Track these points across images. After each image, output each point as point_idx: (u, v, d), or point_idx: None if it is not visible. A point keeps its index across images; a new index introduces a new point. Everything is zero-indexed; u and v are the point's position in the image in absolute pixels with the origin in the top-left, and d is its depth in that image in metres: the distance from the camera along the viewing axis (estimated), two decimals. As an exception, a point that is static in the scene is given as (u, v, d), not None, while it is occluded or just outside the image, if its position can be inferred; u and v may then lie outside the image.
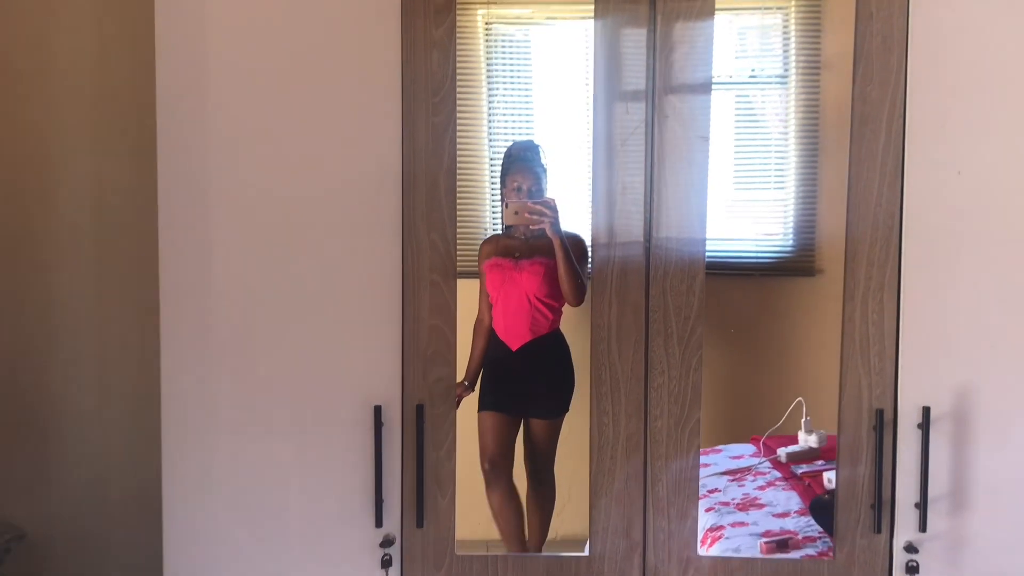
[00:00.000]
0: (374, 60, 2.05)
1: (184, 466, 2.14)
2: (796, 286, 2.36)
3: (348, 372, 2.11)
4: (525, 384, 2.32)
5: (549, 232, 2.19)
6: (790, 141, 2.29)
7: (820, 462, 2.38)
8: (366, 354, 2.10)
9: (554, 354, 2.29)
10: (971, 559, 2.08)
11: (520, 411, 2.30)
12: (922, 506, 2.05)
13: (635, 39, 2.06)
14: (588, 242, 2.15)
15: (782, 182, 2.30)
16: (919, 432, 2.05)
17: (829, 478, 2.31)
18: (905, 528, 2.09)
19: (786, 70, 2.30)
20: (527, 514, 2.29)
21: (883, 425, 2.06)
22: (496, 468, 2.28)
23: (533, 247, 2.24)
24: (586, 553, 2.16)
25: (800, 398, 2.32)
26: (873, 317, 2.06)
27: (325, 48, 2.06)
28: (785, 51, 2.30)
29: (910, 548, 2.07)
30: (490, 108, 2.23)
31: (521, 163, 2.22)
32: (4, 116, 2.64)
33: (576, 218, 2.20)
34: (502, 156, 2.25)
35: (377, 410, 2.08)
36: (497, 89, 2.25)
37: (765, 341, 2.34)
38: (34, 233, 2.65)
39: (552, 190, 2.24)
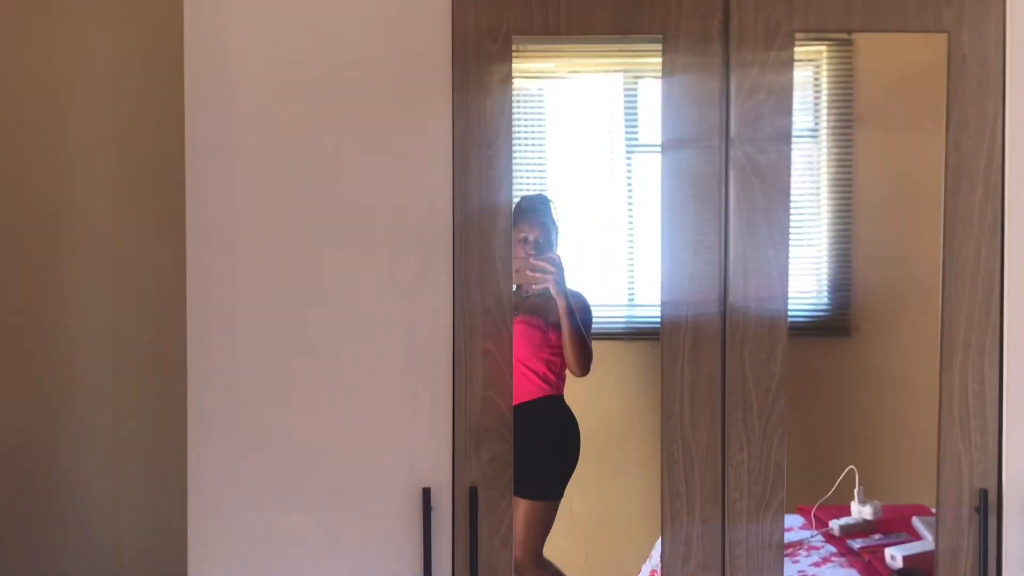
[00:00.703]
0: (423, 108, 1.90)
1: (211, 548, 1.95)
2: (832, 346, 2.26)
3: (394, 450, 1.93)
4: (518, 464, 2.12)
5: (553, 291, 2.03)
6: (822, 196, 2.21)
7: (877, 536, 2.28)
8: (414, 430, 1.92)
9: (542, 426, 2.10)
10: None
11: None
12: (1034, 598, 1.86)
13: (707, 88, 1.91)
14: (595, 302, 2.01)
15: (814, 239, 2.21)
16: (1028, 514, 1.87)
17: (892, 555, 2.20)
18: (1016, 625, 1.89)
19: (817, 124, 2.22)
20: None
21: (987, 507, 1.89)
22: (523, 564, 2.09)
23: (531, 306, 2.07)
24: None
25: (852, 467, 2.20)
26: (973, 387, 1.89)
27: (373, 92, 1.90)
28: (816, 105, 2.23)
29: (1022, 647, 1.88)
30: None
31: (530, 214, 2.08)
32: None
33: (588, 279, 2.09)
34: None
35: (426, 493, 1.90)
36: (514, 143, 2.13)
37: (805, 405, 2.19)
38: (47, 313, 2.52)
39: (567, 244, 2.09)
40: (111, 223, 2.51)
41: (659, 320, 1.93)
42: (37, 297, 2.52)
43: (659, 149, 1.93)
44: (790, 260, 1.92)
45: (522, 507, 2.09)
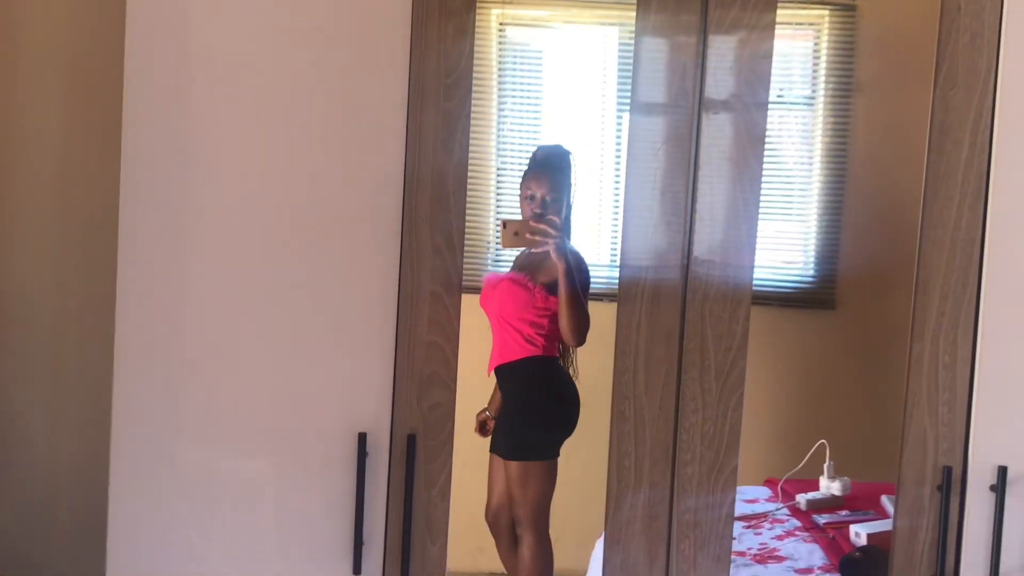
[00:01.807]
0: (377, 33, 1.78)
1: (136, 480, 1.87)
2: (815, 319, 2.25)
3: (332, 391, 1.84)
4: (505, 424, 2.04)
5: (554, 255, 1.92)
6: (815, 166, 2.18)
7: (844, 512, 2.29)
8: (353, 372, 1.83)
9: (523, 386, 2.01)
10: (1047, 647, 1.81)
11: (497, 449, 2.03)
12: (992, 581, 1.78)
13: (682, 47, 1.81)
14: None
15: (804, 209, 2.20)
16: (992, 495, 1.79)
17: (857, 531, 2.18)
18: (971, 606, 1.82)
19: (814, 93, 2.19)
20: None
21: (950, 485, 1.80)
22: (493, 520, 2.02)
23: (527, 263, 1.97)
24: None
25: (823, 440, 2.18)
26: (945, 359, 1.80)
27: (320, 21, 1.79)
28: (815, 73, 2.20)
29: (975, 631, 1.80)
30: (500, 115, 2.01)
31: (540, 168, 1.96)
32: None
33: (584, 238, 2.00)
34: (507, 167, 2.01)
35: (362, 438, 1.81)
36: (507, 96, 2.04)
37: (782, 376, 2.18)
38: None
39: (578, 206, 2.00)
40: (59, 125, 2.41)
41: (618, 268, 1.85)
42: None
43: (630, 108, 1.83)
44: (769, 218, 1.83)
45: (513, 468, 2.02)
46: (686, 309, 1.82)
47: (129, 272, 1.84)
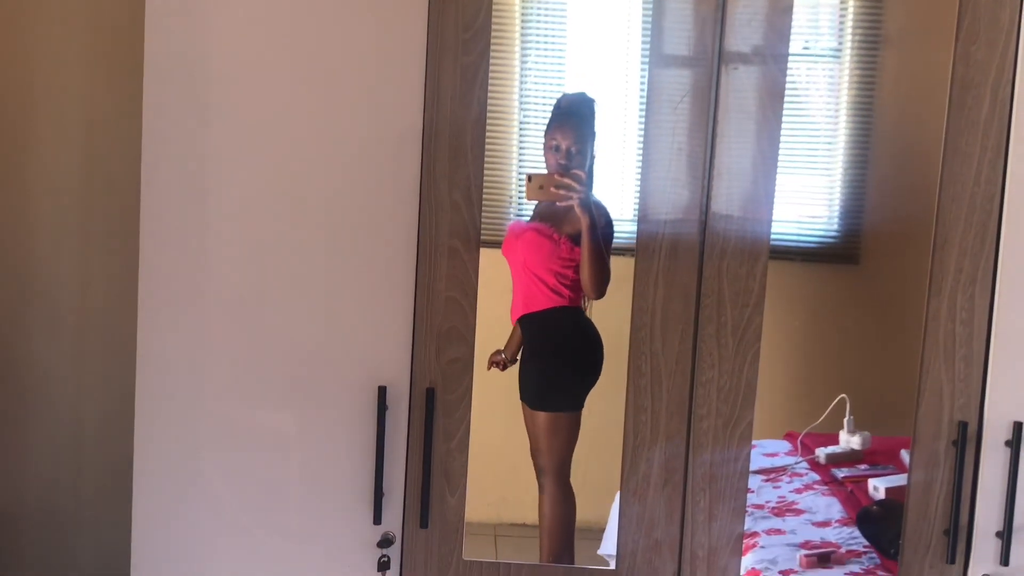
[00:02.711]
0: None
1: (161, 433, 1.90)
2: (839, 274, 2.19)
3: (352, 345, 1.85)
4: (535, 374, 2.04)
5: (578, 209, 1.90)
6: (840, 120, 2.11)
7: (863, 466, 2.24)
8: (373, 327, 1.85)
9: (551, 335, 2.00)
10: (1060, 601, 1.82)
11: (525, 398, 2.02)
12: (1005, 535, 1.79)
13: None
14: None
15: (830, 163, 2.13)
16: (1007, 450, 1.79)
17: (875, 486, 2.17)
18: (983, 560, 1.83)
19: (840, 45, 2.11)
20: (540, 531, 2.03)
21: (965, 440, 1.80)
22: (537, 468, 2.03)
23: (542, 212, 1.96)
24: (612, 567, 1.93)
25: (844, 395, 2.14)
26: (962, 315, 1.79)
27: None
28: (841, 24, 2.11)
29: (988, 583, 1.81)
30: (523, 67, 1.99)
31: (565, 119, 1.93)
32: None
33: (607, 192, 1.96)
34: (530, 119, 1.98)
35: (381, 391, 1.83)
36: (531, 47, 2.01)
37: (804, 330, 2.15)
38: (14, 187, 2.42)
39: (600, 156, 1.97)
40: (79, 94, 2.42)
41: (636, 223, 1.84)
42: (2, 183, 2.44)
43: (648, 62, 1.82)
44: (795, 172, 1.81)
45: (541, 418, 2.02)
46: (703, 265, 1.82)
47: (151, 229, 1.85)
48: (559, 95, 2.03)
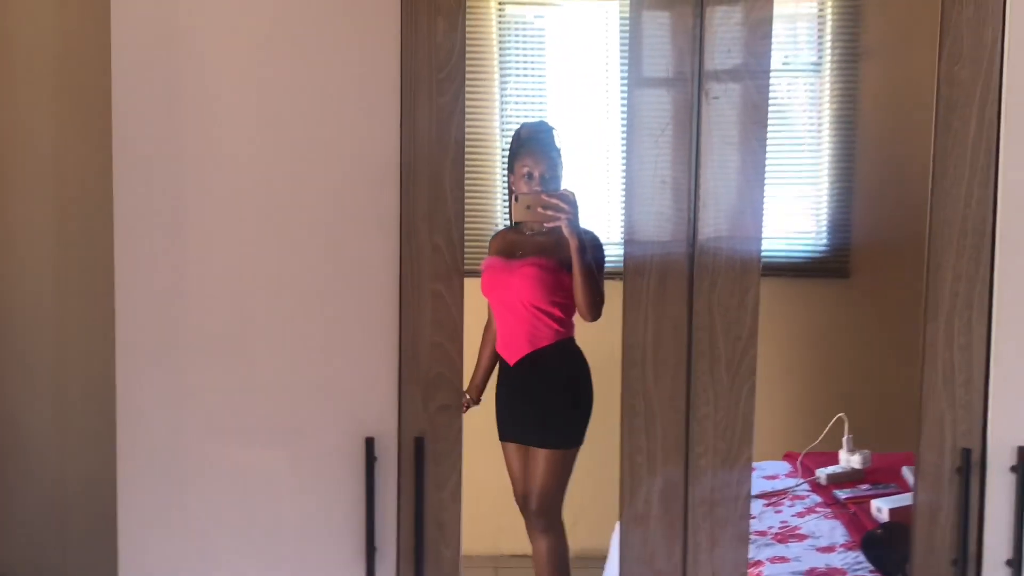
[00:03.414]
0: (366, 31, 1.73)
1: (144, 483, 1.84)
2: (829, 288, 2.22)
3: (337, 395, 1.80)
4: (527, 406, 2.00)
5: (566, 231, 1.88)
6: (823, 134, 2.15)
7: (865, 486, 2.26)
8: (357, 376, 1.80)
9: (560, 371, 1.98)
10: (1073, 629, 1.77)
11: (519, 438, 1.98)
12: (1016, 563, 1.75)
13: (679, 13, 1.74)
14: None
15: (815, 177, 2.15)
16: (1013, 476, 1.76)
17: (879, 507, 2.14)
18: (994, 590, 1.78)
19: (820, 58, 2.15)
20: (535, 568, 1.98)
21: (970, 467, 1.77)
22: (524, 504, 1.99)
23: (538, 244, 1.92)
24: (614, 610, 1.87)
25: (841, 414, 2.16)
26: (960, 340, 1.76)
27: (307, 18, 1.73)
28: (820, 38, 2.16)
29: (1000, 614, 1.77)
30: (503, 95, 1.97)
31: (533, 145, 1.92)
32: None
33: (590, 214, 1.96)
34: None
35: (369, 443, 1.78)
36: (510, 74, 2.00)
37: (798, 346, 2.15)
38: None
39: (566, 180, 1.94)
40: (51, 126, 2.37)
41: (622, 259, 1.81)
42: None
43: (627, 87, 1.79)
44: (780, 188, 1.78)
45: (543, 457, 1.99)
46: (693, 299, 1.78)
47: (127, 272, 1.80)
48: (536, 121, 2.01)
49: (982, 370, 1.76)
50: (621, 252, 1.81)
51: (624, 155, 1.80)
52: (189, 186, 1.78)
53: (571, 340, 1.98)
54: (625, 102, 1.83)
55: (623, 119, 1.93)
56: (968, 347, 1.76)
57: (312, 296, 1.79)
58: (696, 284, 1.78)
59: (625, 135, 1.77)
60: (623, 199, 1.79)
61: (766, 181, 1.78)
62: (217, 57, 1.76)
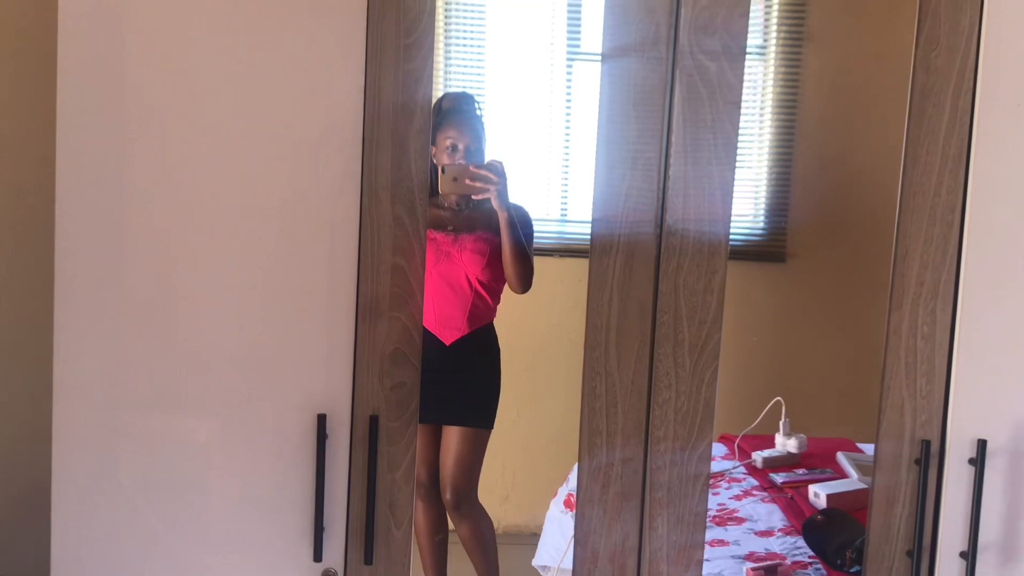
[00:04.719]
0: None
1: (81, 456, 1.75)
2: (766, 272, 2.20)
3: (289, 371, 1.73)
4: (455, 387, 1.95)
5: (495, 204, 1.83)
6: (765, 117, 2.13)
7: (801, 470, 2.26)
8: (311, 351, 1.73)
9: (488, 352, 1.93)
10: (1025, 621, 1.78)
11: (440, 419, 1.94)
12: (970, 556, 1.75)
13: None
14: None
15: (755, 161, 2.14)
16: (971, 468, 1.75)
17: (816, 492, 2.14)
18: (947, 581, 1.78)
19: (765, 42, 2.13)
20: (469, 553, 1.94)
21: (928, 458, 1.75)
22: (422, 490, 1.94)
23: (471, 219, 1.87)
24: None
25: (779, 398, 2.16)
26: (924, 330, 1.74)
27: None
28: (766, 21, 2.14)
29: (953, 605, 1.77)
30: (446, 66, 1.90)
31: (456, 116, 1.86)
32: None
33: (526, 190, 1.92)
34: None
35: (321, 419, 1.71)
36: (453, 44, 1.93)
37: (735, 330, 2.07)
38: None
39: (502, 154, 1.90)
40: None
41: (590, 238, 1.76)
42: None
43: (601, 58, 1.73)
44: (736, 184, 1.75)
45: (464, 436, 1.94)
46: (659, 280, 1.74)
47: (67, 238, 1.70)
48: (481, 94, 1.96)
49: (944, 361, 1.75)
50: (560, 228, 1.77)
51: (573, 121, 1.75)
52: (134, 148, 1.69)
53: (492, 324, 1.95)
54: (570, 76, 1.79)
55: (568, 93, 1.89)
56: (932, 337, 1.74)
57: (265, 266, 1.71)
58: (663, 265, 1.74)
59: (599, 107, 1.73)
60: (595, 175, 1.74)
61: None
62: (169, 18, 1.66)
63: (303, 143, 1.69)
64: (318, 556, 1.74)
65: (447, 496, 1.92)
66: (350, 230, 1.70)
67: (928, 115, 1.70)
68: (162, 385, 1.74)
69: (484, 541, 1.98)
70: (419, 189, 1.69)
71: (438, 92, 1.94)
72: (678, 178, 1.72)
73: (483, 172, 1.83)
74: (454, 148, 1.87)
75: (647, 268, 1.74)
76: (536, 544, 2.05)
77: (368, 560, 1.75)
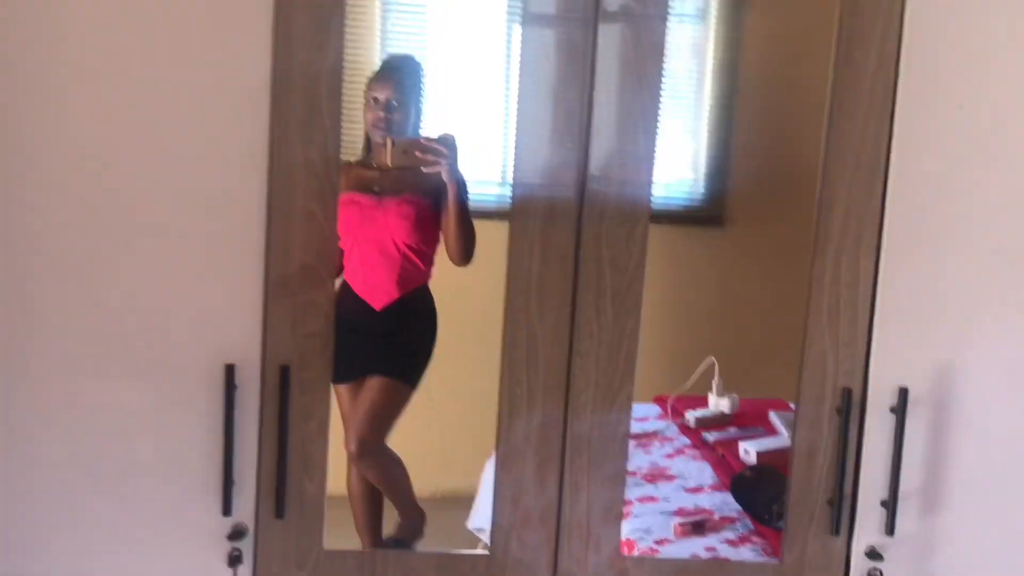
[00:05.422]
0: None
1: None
2: (705, 237, 2.18)
3: (197, 321, 1.67)
4: (385, 345, 1.92)
5: (446, 177, 1.80)
6: (705, 82, 2.09)
7: (732, 429, 2.24)
8: (219, 299, 1.67)
9: (422, 315, 1.90)
10: (944, 568, 1.79)
11: (366, 374, 1.91)
12: (891, 504, 1.74)
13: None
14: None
15: (695, 125, 2.11)
16: (892, 417, 1.73)
17: (746, 449, 2.16)
18: (868, 530, 1.78)
19: (706, 5, 2.10)
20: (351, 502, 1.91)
21: (850, 406, 1.74)
22: (364, 455, 1.90)
23: (397, 180, 1.83)
24: (484, 541, 1.82)
25: (712, 358, 2.13)
26: (847, 277, 1.72)
27: None
28: None
29: (873, 554, 1.76)
30: (384, 28, 1.86)
31: (387, 71, 1.82)
32: None
33: (468, 153, 1.86)
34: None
35: (229, 370, 1.65)
36: (391, 5, 1.89)
37: (672, 293, 2.11)
38: None
39: (437, 120, 1.87)
40: None
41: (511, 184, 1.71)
42: None
43: (521, 18, 1.70)
44: (661, 135, 1.71)
45: (379, 384, 1.89)
46: (582, 228, 1.70)
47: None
48: (422, 57, 1.91)
49: (867, 309, 1.73)
50: (501, 191, 1.73)
51: (513, 82, 1.71)
52: (40, 96, 1.61)
53: (427, 286, 1.91)
54: (511, 36, 1.75)
55: (508, 54, 1.84)
56: (854, 284, 1.73)
57: (171, 212, 1.65)
58: (586, 212, 1.70)
59: (520, 64, 1.68)
60: (513, 126, 1.69)
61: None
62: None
63: (211, 87, 1.62)
64: (227, 510, 1.69)
65: (351, 446, 1.88)
66: (259, 173, 1.63)
67: (854, 59, 1.67)
68: (75, 345, 1.68)
69: (395, 479, 1.95)
70: (331, 131, 1.63)
71: (374, 57, 1.89)
72: (601, 124, 1.68)
73: (433, 144, 1.79)
74: (375, 101, 1.82)
75: (569, 217, 1.69)
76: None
77: (279, 514, 1.70)
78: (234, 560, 1.70)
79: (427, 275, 1.90)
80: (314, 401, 1.70)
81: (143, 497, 1.72)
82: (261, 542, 1.73)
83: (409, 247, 1.88)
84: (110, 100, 1.62)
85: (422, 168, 1.81)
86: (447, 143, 1.80)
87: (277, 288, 1.66)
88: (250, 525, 1.72)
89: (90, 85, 1.61)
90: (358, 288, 1.87)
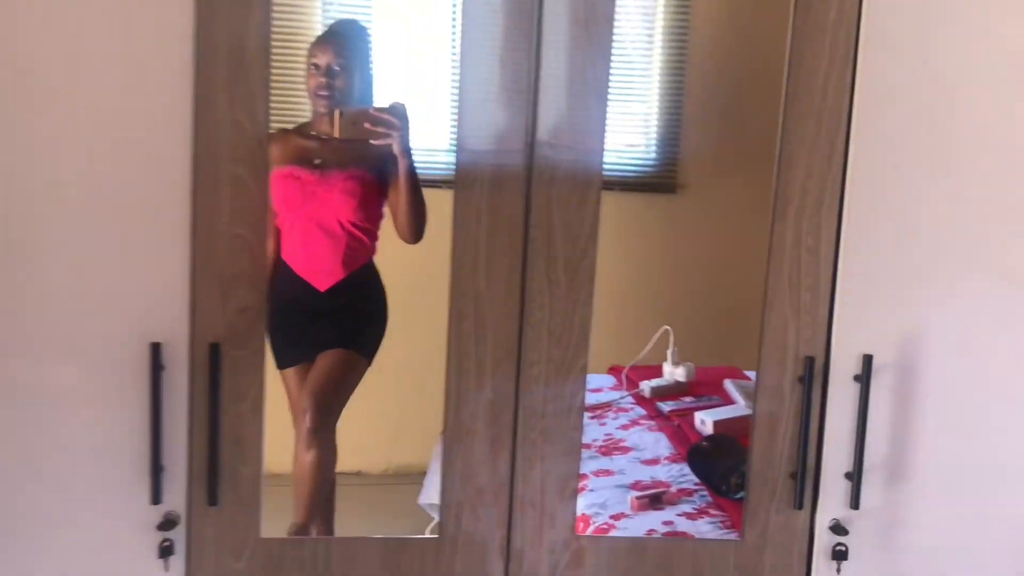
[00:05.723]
0: None
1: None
2: (657, 203, 2.16)
3: (122, 299, 1.56)
4: (333, 325, 1.84)
5: (397, 150, 1.71)
6: (655, 48, 2.07)
7: (688, 399, 2.21)
8: (143, 275, 1.56)
9: (369, 292, 1.82)
10: (910, 542, 1.73)
11: (316, 354, 1.83)
12: (855, 477, 1.68)
13: None
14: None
15: (645, 92, 2.09)
16: (856, 385, 1.67)
17: (703, 419, 2.15)
18: (832, 504, 1.72)
19: None
20: (301, 483, 1.83)
21: (812, 375, 1.67)
22: (319, 429, 1.81)
23: (341, 152, 1.74)
24: (435, 520, 1.74)
25: (667, 327, 2.10)
26: (808, 241, 1.65)
27: None
28: None
29: (837, 528, 1.70)
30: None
31: (330, 36, 1.73)
32: None
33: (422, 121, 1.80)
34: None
35: (155, 349, 1.55)
36: None
37: (625, 261, 2.08)
38: None
39: (383, 86, 1.80)
40: None
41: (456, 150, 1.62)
42: None
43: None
44: (611, 97, 1.63)
45: (331, 356, 1.81)
46: (531, 194, 1.61)
47: None
48: (367, 22, 1.83)
49: (829, 274, 1.66)
50: (448, 159, 1.65)
51: (461, 35, 1.62)
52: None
53: (373, 262, 1.83)
54: (455, 11, 1.67)
55: (454, 20, 1.76)
56: (816, 249, 1.65)
57: (92, 180, 1.53)
58: (535, 178, 1.60)
59: (461, 25, 1.59)
60: (460, 86, 1.60)
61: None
62: None
63: (126, 46, 1.51)
64: (156, 499, 1.59)
65: (307, 420, 1.79)
66: (181, 137, 1.52)
67: (814, 8, 1.60)
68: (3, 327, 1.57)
69: (325, 470, 1.87)
70: (260, 90, 1.53)
71: (314, 24, 1.81)
72: (549, 86, 1.58)
73: (384, 116, 1.70)
74: (316, 66, 1.73)
75: (518, 182, 1.60)
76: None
77: (212, 501, 1.60)
78: (165, 551, 1.60)
79: (372, 251, 1.83)
80: (246, 380, 1.60)
81: (70, 485, 1.61)
82: (194, 531, 1.63)
83: (355, 225, 1.80)
84: (23, 67, 1.50)
85: (371, 140, 1.72)
86: (398, 113, 1.72)
87: (204, 260, 1.56)
88: (182, 513, 1.62)
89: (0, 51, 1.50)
90: (299, 268, 1.79)
